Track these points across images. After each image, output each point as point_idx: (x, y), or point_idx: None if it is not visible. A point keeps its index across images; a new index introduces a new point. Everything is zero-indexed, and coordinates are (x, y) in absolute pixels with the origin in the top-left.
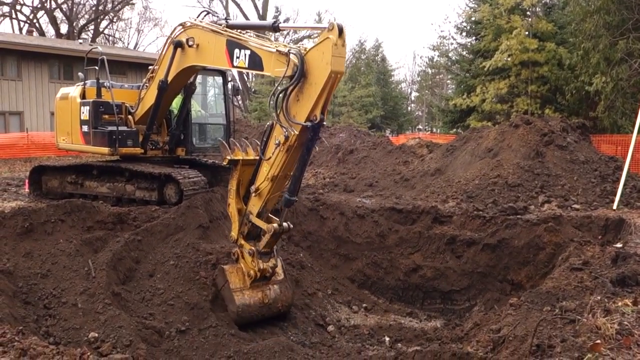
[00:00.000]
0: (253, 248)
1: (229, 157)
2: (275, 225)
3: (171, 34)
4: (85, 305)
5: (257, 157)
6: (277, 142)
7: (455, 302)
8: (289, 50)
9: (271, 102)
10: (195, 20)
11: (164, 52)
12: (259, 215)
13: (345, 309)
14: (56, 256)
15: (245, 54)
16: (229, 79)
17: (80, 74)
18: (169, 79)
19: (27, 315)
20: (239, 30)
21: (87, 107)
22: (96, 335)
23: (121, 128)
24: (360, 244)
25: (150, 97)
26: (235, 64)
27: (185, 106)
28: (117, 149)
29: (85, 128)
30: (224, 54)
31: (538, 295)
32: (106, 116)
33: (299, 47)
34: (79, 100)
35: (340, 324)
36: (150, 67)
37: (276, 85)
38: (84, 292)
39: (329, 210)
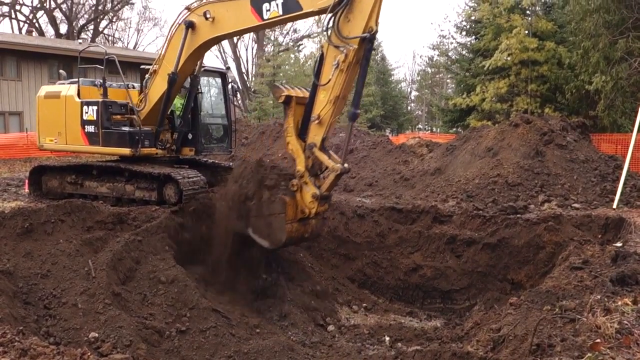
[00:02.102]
0: (317, 192)
1: (284, 94)
2: (339, 165)
3: (176, 19)
4: (85, 306)
5: (307, 96)
6: (335, 63)
7: (455, 302)
8: None
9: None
10: None
11: (170, 39)
12: (321, 148)
13: (346, 309)
14: (56, 256)
15: (276, 4)
16: (229, 80)
17: (61, 71)
18: (180, 65)
19: (27, 315)
20: None
21: (94, 107)
22: (96, 335)
23: (134, 129)
24: (360, 243)
25: (155, 94)
26: (266, 17)
27: (190, 104)
28: (138, 150)
29: (90, 128)
30: (249, 14)
31: (538, 294)
32: (118, 116)
33: None
34: (77, 99)
35: (340, 324)
36: (143, 67)
37: (327, 16)
38: (84, 292)
39: (328, 210)
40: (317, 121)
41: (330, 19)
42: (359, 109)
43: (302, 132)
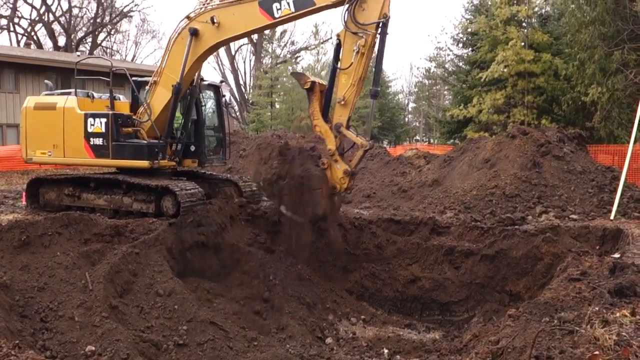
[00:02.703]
0: (349, 168)
1: (309, 80)
2: (367, 141)
3: (177, 28)
4: (82, 319)
5: (325, 84)
6: (356, 48)
7: (453, 314)
8: None
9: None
10: (205, 4)
11: (171, 48)
12: (347, 127)
13: (344, 321)
14: (53, 269)
15: (287, 2)
16: (222, 93)
17: (47, 82)
18: (185, 73)
19: (23, 328)
20: None
21: (103, 119)
22: (93, 348)
23: (152, 141)
24: (358, 255)
25: (159, 104)
26: (277, 15)
27: (190, 115)
28: (157, 162)
29: (97, 141)
30: (259, 14)
31: (536, 306)
32: (128, 128)
33: None
34: (79, 111)
35: (339, 336)
36: (135, 79)
37: (346, 7)
38: (81, 305)
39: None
40: (343, 102)
41: (347, 9)
42: (379, 86)
43: (323, 116)
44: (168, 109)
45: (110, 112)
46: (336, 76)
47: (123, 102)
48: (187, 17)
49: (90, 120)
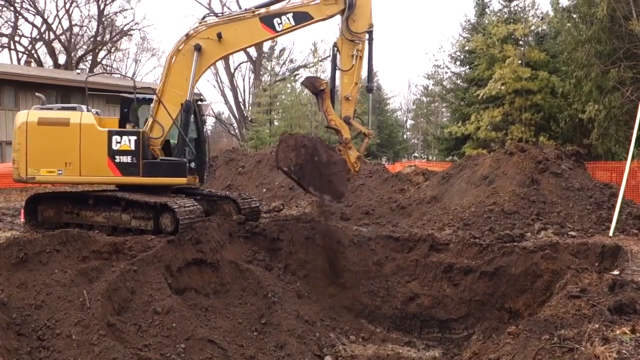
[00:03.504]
0: (360, 154)
1: (325, 82)
2: (371, 130)
3: (177, 45)
4: (79, 337)
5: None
6: (354, 53)
7: (453, 331)
8: None
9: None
10: (208, 19)
11: (172, 65)
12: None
13: (343, 339)
14: (51, 287)
15: (287, 17)
16: (203, 112)
17: (40, 95)
18: (193, 88)
19: (20, 347)
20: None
21: (132, 137)
22: None
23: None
24: (357, 272)
25: (166, 122)
26: (279, 29)
27: (187, 131)
28: (193, 177)
29: (124, 159)
30: (261, 29)
31: (536, 323)
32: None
33: None
34: (101, 128)
35: (338, 354)
36: (124, 95)
37: (343, 19)
38: (79, 323)
39: (325, 239)
40: (349, 98)
41: (343, 21)
42: (373, 82)
43: None
44: (175, 125)
45: (141, 130)
46: (338, 78)
47: (112, 119)
48: (187, 34)
49: (115, 137)
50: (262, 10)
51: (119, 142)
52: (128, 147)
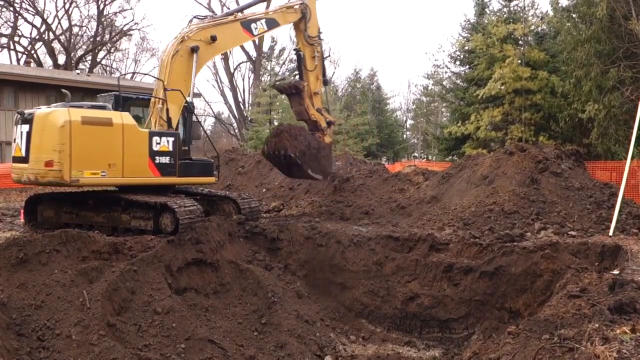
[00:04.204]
0: (332, 139)
1: (305, 84)
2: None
3: (175, 47)
4: (79, 337)
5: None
6: (315, 54)
7: (453, 331)
8: (296, 5)
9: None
10: (202, 22)
11: (172, 67)
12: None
13: (343, 339)
14: (51, 287)
15: (262, 23)
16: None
17: (66, 92)
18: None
19: (20, 347)
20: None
21: (170, 139)
22: None
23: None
24: (357, 272)
25: (173, 123)
26: (255, 33)
27: (191, 129)
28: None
29: (164, 160)
30: (242, 33)
31: (536, 323)
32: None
33: (300, 2)
34: (142, 129)
35: (338, 354)
36: (113, 94)
37: (303, 26)
38: (79, 324)
39: (325, 239)
40: (317, 93)
41: (303, 29)
42: (326, 76)
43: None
44: (179, 125)
45: (178, 131)
46: (305, 77)
47: None
48: (182, 37)
49: (155, 138)
50: (240, 15)
51: (159, 143)
52: (167, 148)
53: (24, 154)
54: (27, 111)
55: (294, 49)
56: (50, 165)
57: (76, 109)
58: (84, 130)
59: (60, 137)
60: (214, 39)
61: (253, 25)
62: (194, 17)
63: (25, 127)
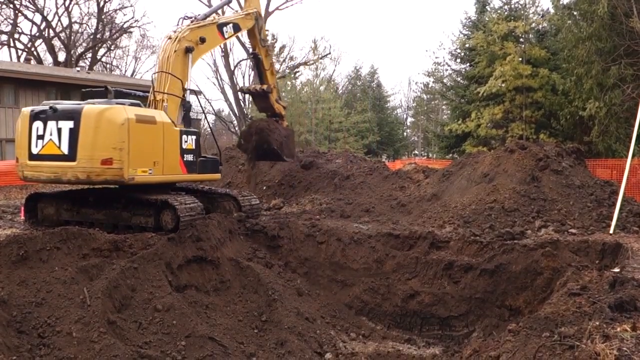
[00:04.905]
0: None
1: (272, 87)
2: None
3: (170, 48)
4: (80, 334)
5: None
6: (269, 53)
7: (453, 329)
8: (251, 13)
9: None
10: (195, 22)
11: (171, 67)
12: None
13: (343, 336)
14: (51, 284)
15: (230, 27)
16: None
17: (110, 87)
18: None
19: (20, 344)
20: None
21: (194, 137)
22: None
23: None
24: (357, 270)
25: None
26: (226, 36)
27: (189, 126)
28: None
29: (189, 157)
30: (217, 35)
31: (537, 321)
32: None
33: (254, 10)
34: (175, 128)
35: (338, 352)
36: (85, 90)
37: (259, 31)
38: (79, 321)
39: (325, 236)
40: (275, 87)
41: (254, 34)
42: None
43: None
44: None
45: (196, 130)
46: (264, 76)
47: None
48: (177, 37)
49: (184, 137)
50: (217, 17)
51: (186, 141)
52: (191, 146)
53: (65, 152)
54: (60, 106)
55: (251, 53)
56: (109, 163)
57: (130, 107)
58: (138, 128)
59: (120, 135)
60: (202, 40)
61: (224, 29)
62: (183, 17)
63: (65, 123)
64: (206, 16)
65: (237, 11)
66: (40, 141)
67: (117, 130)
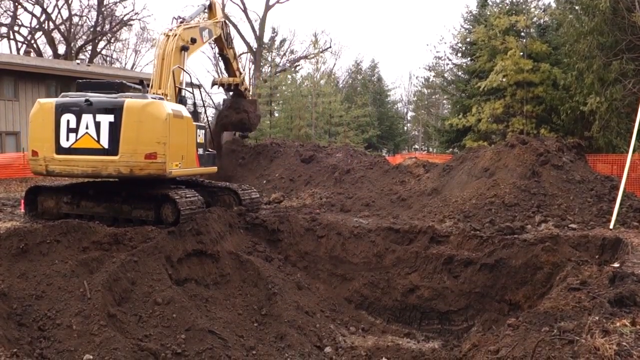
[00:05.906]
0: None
1: (244, 86)
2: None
3: (168, 46)
4: (80, 327)
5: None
6: (233, 51)
7: (453, 323)
8: (219, 21)
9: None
10: (185, 23)
11: (170, 64)
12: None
13: (343, 330)
14: (51, 277)
15: (207, 32)
16: None
17: (142, 81)
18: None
19: (21, 337)
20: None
21: (203, 131)
22: (91, 357)
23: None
24: (357, 264)
25: None
26: (204, 40)
27: None
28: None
29: (200, 151)
30: (200, 37)
31: (536, 315)
32: None
33: (222, 18)
34: (194, 122)
35: (338, 345)
36: (79, 81)
37: (227, 37)
38: (79, 314)
39: (325, 230)
40: (241, 75)
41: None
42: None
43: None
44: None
45: (205, 123)
46: (231, 70)
47: None
48: (175, 35)
49: (198, 131)
50: (195, 21)
51: (199, 136)
52: (202, 140)
53: (105, 146)
54: (95, 99)
55: (219, 54)
56: (153, 157)
57: (167, 102)
58: (175, 123)
59: (163, 130)
60: (193, 41)
61: (203, 32)
62: (175, 17)
63: (105, 117)
64: (192, 19)
65: (204, 19)
66: (72, 134)
67: (160, 125)
